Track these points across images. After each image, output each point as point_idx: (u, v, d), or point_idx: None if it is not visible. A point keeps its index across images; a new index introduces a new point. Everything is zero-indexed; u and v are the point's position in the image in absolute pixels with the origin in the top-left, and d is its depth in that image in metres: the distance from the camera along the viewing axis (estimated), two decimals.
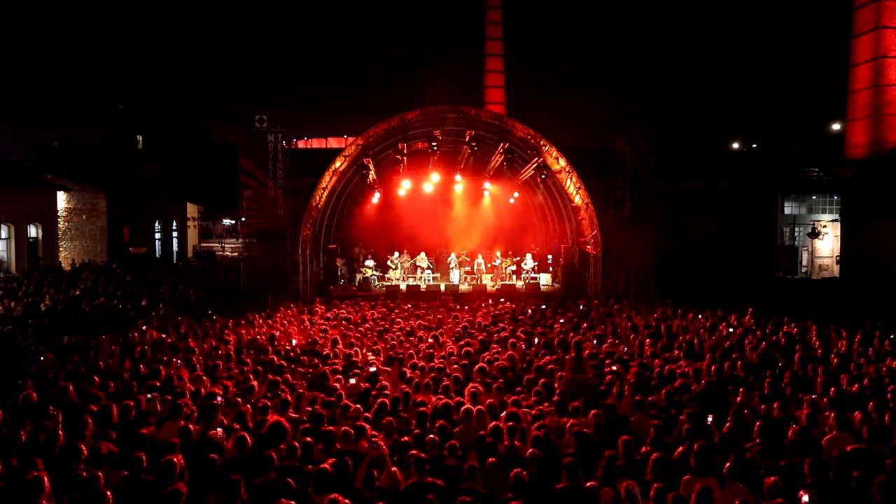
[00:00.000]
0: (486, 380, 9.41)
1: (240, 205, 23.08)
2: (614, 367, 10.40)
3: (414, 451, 6.16)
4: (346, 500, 5.11)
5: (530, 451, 6.37)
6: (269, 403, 7.98)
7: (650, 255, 22.99)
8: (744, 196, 32.30)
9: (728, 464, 5.66)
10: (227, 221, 53.42)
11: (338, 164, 21.70)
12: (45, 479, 5.19)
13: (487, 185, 26.40)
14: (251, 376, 9.44)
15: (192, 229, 44.48)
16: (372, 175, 23.22)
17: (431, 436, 6.78)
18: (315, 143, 53.10)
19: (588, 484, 5.73)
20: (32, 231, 29.03)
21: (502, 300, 20.17)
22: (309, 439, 6.49)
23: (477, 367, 10.22)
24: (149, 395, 8.01)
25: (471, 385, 8.93)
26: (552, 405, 8.16)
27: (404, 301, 20.13)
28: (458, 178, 25.25)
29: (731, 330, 14.16)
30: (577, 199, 22.36)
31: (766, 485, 5.47)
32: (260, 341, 12.70)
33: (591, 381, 9.62)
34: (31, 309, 17.06)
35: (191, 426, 6.94)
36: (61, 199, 31.20)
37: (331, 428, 6.91)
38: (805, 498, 5.15)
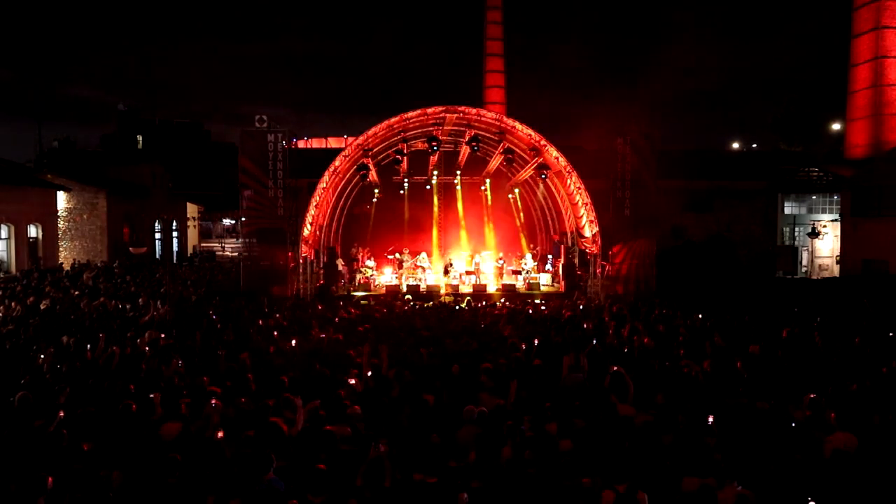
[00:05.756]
0: (486, 380, 9.39)
1: (240, 205, 23.09)
2: (614, 367, 10.38)
3: (414, 452, 6.14)
4: (346, 501, 5.10)
5: (529, 451, 6.36)
6: (269, 403, 7.96)
7: (650, 254, 23.01)
8: (744, 196, 32.32)
9: (728, 463, 5.65)
10: (227, 221, 53.39)
11: (338, 164, 21.72)
12: (48, 479, 5.19)
13: (487, 184, 26.41)
14: (251, 376, 9.42)
15: (192, 229, 44.45)
16: (372, 175, 23.20)
17: (433, 435, 6.77)
18: (315, 143, 53.11)
19: (587, 483, 5.72)
20: (32, 231, 28.99)
21: (503, 300, 20.17)
22: (308, 439, 6.48)
23: (477, 366, 10.20)
24: (149, 395, 8.00)
25: (471, 385, 8.92)
26: (552, 405, 8.14)
27: (404, 301, 20.14)
28: (458, 177, 25.25)
29: (731, 329, 14.13)
30: (577, 199, 22.36)
31: (767, 485, 5.46)
32: (260, 341, 12.68)
33: (590, 380, 9.60)
34: (31, 309, 17.05)
35: (190, 426, 6.94)
36: (61, 199, 31.17)
37: (330, 428, 6.90)
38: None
